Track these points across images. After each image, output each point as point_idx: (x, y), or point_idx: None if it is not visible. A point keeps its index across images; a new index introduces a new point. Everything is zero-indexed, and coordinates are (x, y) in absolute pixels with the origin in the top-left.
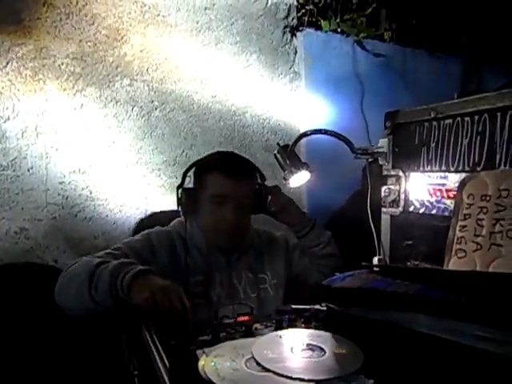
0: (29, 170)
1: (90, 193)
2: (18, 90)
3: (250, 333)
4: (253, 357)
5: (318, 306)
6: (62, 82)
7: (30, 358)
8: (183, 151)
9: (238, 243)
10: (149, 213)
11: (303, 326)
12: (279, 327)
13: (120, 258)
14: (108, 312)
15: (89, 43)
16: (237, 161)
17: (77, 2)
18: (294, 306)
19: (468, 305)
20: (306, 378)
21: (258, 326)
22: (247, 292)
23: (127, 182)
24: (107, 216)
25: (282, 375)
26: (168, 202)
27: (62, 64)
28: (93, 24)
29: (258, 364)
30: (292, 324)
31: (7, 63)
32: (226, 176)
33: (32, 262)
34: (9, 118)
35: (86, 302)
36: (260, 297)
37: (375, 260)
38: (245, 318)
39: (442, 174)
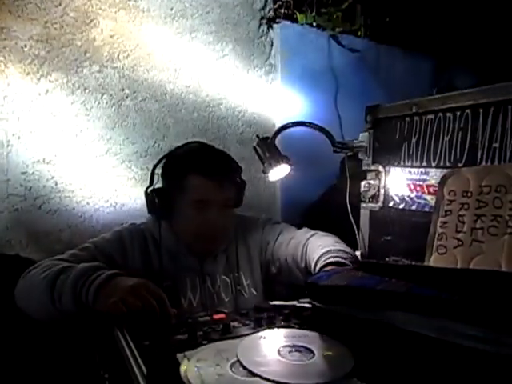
0: None
1: (56, 184)
2: None
3: (228, 331)
4: (238, 360)
5: (295, 303)
6: (26, 65)
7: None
8: (155, 142)
9: (219, 246)
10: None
11: (283, 323)
12: (258, 325)
13: (86, 261)
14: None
15: (55, 25)
16: (216, 158)
17: None
18: (272, 303)
19: (461, 304)
20: (296, 383)
21: (235, 324)
22: (221, 297)
23: (95, 173)
24: (74, 209)
25: (271, 380)
26: (138, 194)
27: (25, 46)
28: (59, 5)
29: (245, 368)
30: (271, 322)
31: None
32: (207, 179)
33: None
34: None
35: (48, 311)
36: (235, 300)
37: (357, 254)
38: (221, 316)
39: (423, 170)
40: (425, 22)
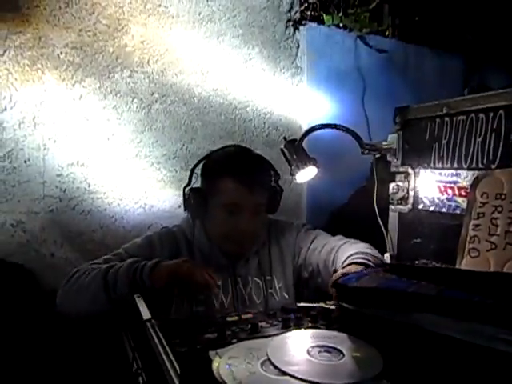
0: (26, 162)
1: (89, 186)
2: (16, 79)
3: (256, 331)
4: (269, 359)
5: (322, 304)
6: (61, 72)
7: (29, 358)
8: (183, 145)
9: (248, 250)
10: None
11: (310, 324)
12: (286, 326)
13: None
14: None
15: (88, 33)
16: (250, 163)
17: None
18: (299, 304)
19: (495, 307)
20: (326, 382)
21: (263, 324)
22: (253, 299)
23: (126, 175)
24: (105, 209)
25: (301, 379)
26: (167, 195)
27: (61, 54)
28: (93, 13)
29: (275, 367)
30: (298, 323)
31: (4, 52)
32: (239, 183)
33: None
34: (6, 108)
35: (100, 303)
36: (266, 302)
37: (386, 257)
38: (249, 316)
39: (454, 172)
40: (455, 20)
